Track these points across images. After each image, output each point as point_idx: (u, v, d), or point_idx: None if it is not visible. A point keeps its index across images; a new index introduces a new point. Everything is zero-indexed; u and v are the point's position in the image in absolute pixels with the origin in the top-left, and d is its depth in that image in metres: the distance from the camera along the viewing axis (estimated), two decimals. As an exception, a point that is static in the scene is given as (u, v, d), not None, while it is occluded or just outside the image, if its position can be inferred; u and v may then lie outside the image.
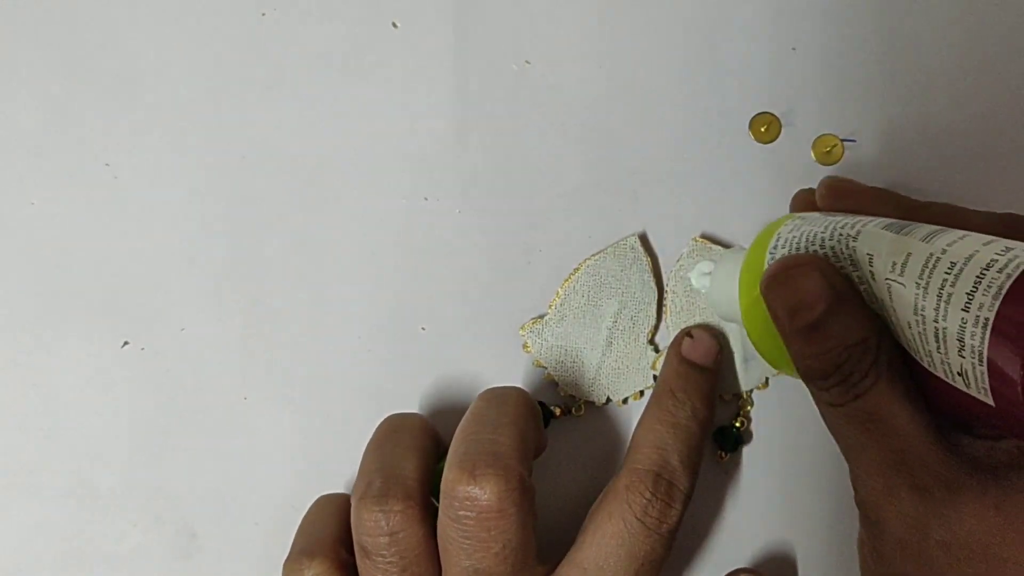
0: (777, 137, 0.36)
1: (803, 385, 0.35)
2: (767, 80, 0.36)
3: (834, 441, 0.28)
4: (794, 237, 0.29)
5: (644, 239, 0.36)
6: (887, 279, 0.26)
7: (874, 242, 0.26)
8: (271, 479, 0.37)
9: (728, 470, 0.36)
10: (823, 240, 0.28)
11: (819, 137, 0.35)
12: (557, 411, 0.35)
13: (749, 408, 0.35)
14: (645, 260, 0.35)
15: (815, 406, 0.28)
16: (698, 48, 0.36)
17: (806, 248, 0.28)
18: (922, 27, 0.35)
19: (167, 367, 0.37)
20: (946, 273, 0.24)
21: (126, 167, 0.37)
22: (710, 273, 0.33)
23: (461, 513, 0.30)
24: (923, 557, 0.25)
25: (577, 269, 0.36)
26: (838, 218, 0.28)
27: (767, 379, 0.35)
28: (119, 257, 0.37)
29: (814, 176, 0.35)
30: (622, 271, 0.35)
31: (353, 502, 0.32)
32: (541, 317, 0.36)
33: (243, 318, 0.37)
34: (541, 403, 0.35)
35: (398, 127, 0.36)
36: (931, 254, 0.24)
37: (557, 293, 0.36)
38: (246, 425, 0.37)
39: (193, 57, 0.37)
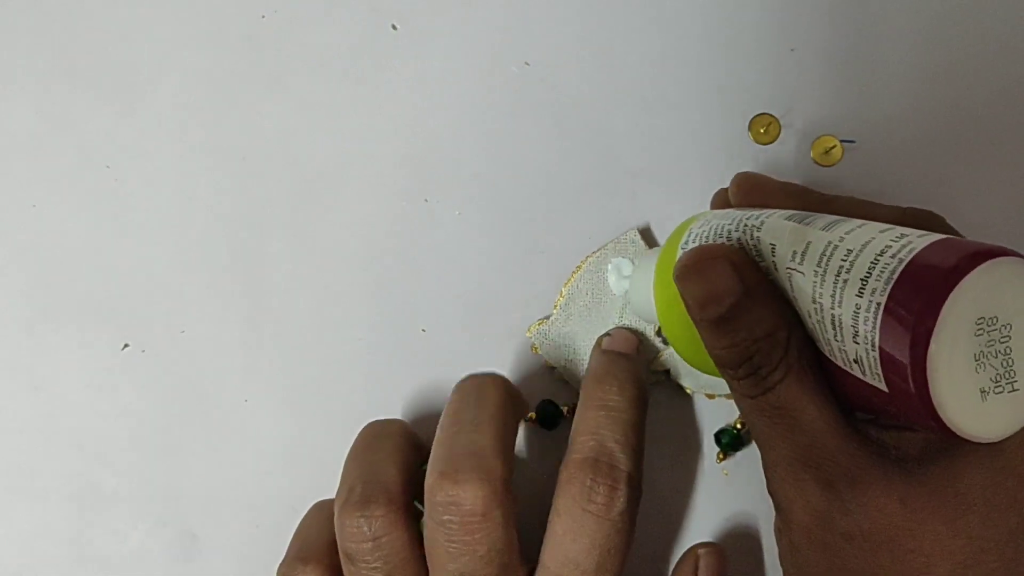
0: (776, 138, 0.36)
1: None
2: (766, 81, 0.36)
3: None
4: (703, 231, 0.29)
5: (645, 232, 0.36)
6: (788, 267, 0.26)
7: (776, 232, 0.26)
8: (272, 481, 0.36)
9: (728, 469, 0.36)
10: (730, 232, 0.28)
11: (818, 138, 0.35)
12: (565, 410, 0.36)
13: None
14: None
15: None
16: (697, 49, 0.36)
17: (715, 241, 0.28)
18: (922, 27, 0.35)
19: (168, 369, 0.37)
20: (842, 260, 0.24)
21: (127, 169, 0.37)
22: (628, 276, 0.34)
23: (445, 518, 0.30)
24: (828, 547, 0.26)
25: (579, 267, 0.36)
26: (745, 212, 0.28)
27: None
28: (120, 259, 0.37)
29: (813, 177, 0.35)
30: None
31: (336, 509, 0.32)
32: (547, 318, 0.36)
33: (244, 320, 0.37)
34: (550, 402, 0.35)
35: (398, 129, 0.37)
36: (829, 242, 0.25)
37: (561, 293, 0.36)
38: (247, 427, 0.36)
39: (193, 59, 0.37)
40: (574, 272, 0.36)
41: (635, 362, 0.34)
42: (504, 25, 0.36)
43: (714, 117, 0.36)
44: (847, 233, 0.25)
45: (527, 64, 0.36)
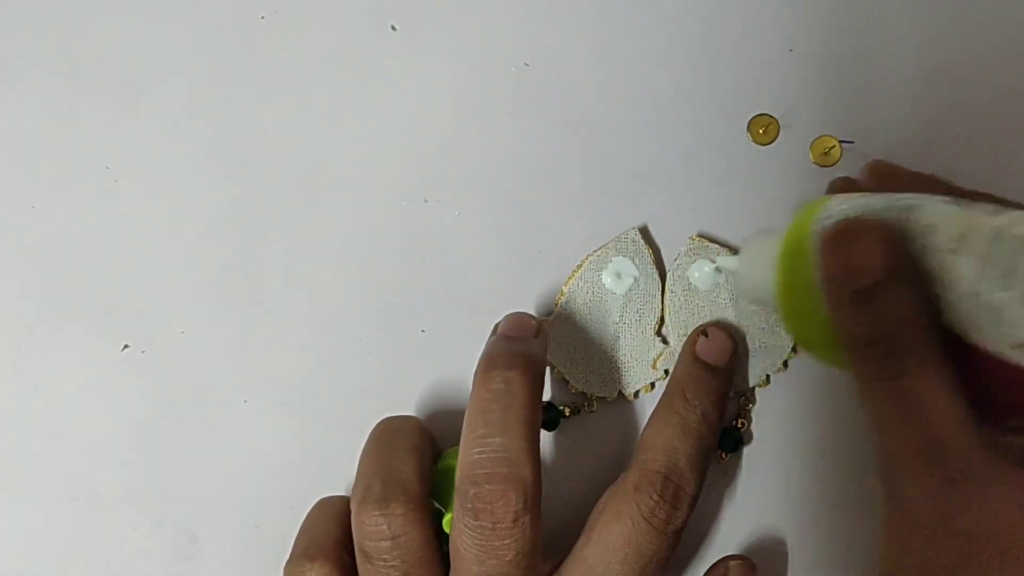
0: (776, 139, 0.36)
1: (803, 383, 0.35)
2: (765, 82, 0.36)
3: (860, 414, 0.27)
4: (846, 208, 0.28)
5: (645, 232, 0.36)
6: (947, 249, 0.25)
7: (935, 214, 0.26)
8: (271, 482, 0.36)
9: (728, 469, 0.36)
10: (877, 212, 0.27)
11: (817, 138, 0.35)
12: (566, 411, 0.36)
13: (751, 407, 0.36)
14: (647, 252, 0.35)
15: (850, 377, 0.28)
16: (696, 50, 0.36)
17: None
18: (921, 28, 0.36)
19: (167, 370, 0.37)
20: (1014, 246, 0.24)
21: (126, 169, 0.37)
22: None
23: (477, 523, 0.30)
24: (943, 543, 0.25)
25: (580, 266, 0.36)
26: (892, 194, 0.28)
27: (768, 376, 0.35)
28: (120, 259, 0.37)
29: (813, 178, 0.35)
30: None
31: (353, 507, 0.32)
32: (547, 317, 0.36)
33: (243, 321, 0.36)
34: (550, 403, 0.35)
35: (397, 129, 0.37)
36: (996, 227, 0.24)
37: (561, 291, 0.36)
38: (246, 428, 0.36)
39: (193, 59, 0.37)
40: (575, 271, 0.36)
41: (725, 380, 0.34)
42: (504, 25, 0.36)
43: (713, 117, 0.36)
44: (1014, 220, 0.24)
45: (526, 64, 0.36)
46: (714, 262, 0.35)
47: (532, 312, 0.36)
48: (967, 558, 0.25)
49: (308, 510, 0.34)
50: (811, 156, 0.36)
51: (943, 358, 0.26)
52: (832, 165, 0.35)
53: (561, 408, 0.36)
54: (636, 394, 0.36)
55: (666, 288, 0.35)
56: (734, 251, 0.35)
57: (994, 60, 0.35)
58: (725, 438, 0.35)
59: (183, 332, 0.37)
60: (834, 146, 0.35)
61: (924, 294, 0.26)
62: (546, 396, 0.36)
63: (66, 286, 0.37)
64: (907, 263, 0.26)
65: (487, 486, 0.29)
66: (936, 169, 0.35)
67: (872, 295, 0.26)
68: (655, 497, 0.31)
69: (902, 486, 0.26)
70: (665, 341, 0.36)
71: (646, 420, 0.34)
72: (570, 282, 0.36)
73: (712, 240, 0.35)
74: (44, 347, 0.37)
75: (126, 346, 0.37)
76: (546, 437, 0.36)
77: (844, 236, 0.27)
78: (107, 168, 0.37)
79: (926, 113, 0.35)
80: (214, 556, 0.36)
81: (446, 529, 0.32)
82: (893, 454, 0.26)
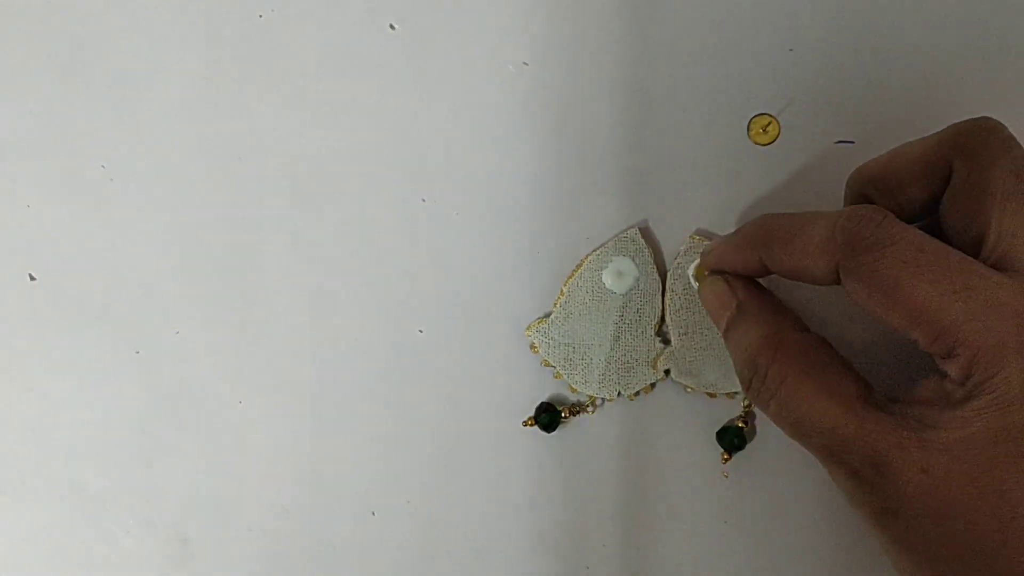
0: (776, 139, 0.36)
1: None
2: (765, 82, 0.36)
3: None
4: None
5: (645, 231, 0.35)
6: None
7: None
8: (265, 485, 0.36)
9: (730, 470, 0.35)
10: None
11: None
12: (565, 412, 0.35)
13: (752, 407, 0.35)
14: (647, 252, 0.35)
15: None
16: (696, 50, 0.36)
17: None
18: (921, 27, 0.36)
19: (161, 371, 0.36)
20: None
21: (122, 169, 0.37)
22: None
23: None
24: (880, 527, 0.27)
25: (579, 265, 0.35)
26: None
27: None
28: (114, 259, 0.36)
29: (813, 179, 0.35)
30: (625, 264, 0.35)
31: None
32: (547, 316, 0.35)
33: (239, 321, 0.36)
34: (548, 404, 0.35)
35: (395, 128, 0.36)
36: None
37: (561, 291, 0.35)
38: (240, 430, 0.36)
39: (190, 58, 0.37)
40: (574, 270, 0.35)
41: None
42: (503, 25, 0.36)
43: (713, 117, 0.36)
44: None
45: (525, 64, 0.36)
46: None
47: (530, 313, 0.36)
48: (904, 532, 0.26)
49: (304, 513, 0.34)
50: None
51: (808, 369, 0.28)
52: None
53: (560, 410, 0.35)
54: (636, 394, 0.36)
55: (666, 287, 0.35)
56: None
57: (994, 60, 0.35)
58: (728, 436, 0.35)
59: (177, 332, 0.36)
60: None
61: (775, 318, 0.29)
62: (545, 397, 0.36)
63: (60, 286, 0.36)
64: (750, 296, 0.30)
65: None
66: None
67: (733, 328, 0.30)
68: None
69: (840, 487, 0.28)
70: (665, 341, 0.35)
71: (647, 421, 0.33)
72: (569, 282, 0.35)
73: (711, 239, 0.35)
74: (36, 347, 0.36)
75: (120, 347, 0.36)
76: (546, 439, 0.36)
77: (704, 286, 0.32)
78: (103, 167, 0.37)
79: (925, 113, 0.35)
80: (206, 559, 0.36)
81: None
82: (817, 456, 0.28)
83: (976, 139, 0.27)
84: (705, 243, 0.35)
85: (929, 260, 0.25)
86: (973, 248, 0.27)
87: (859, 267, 0.26)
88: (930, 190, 0.29)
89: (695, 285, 0.35)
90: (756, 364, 0.28)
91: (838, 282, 0.27)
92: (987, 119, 0.28)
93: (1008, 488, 0.24)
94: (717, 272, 0.32)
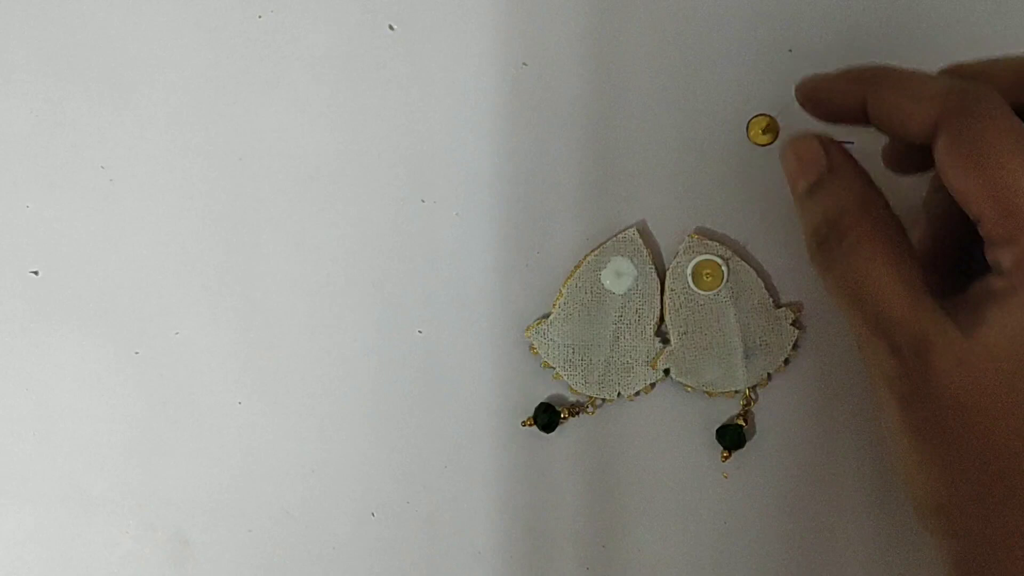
0: (775, 140, 0.36)
1: (805, 381, 0.35)
2: (765, 82, 0.36)
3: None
4: None
5: (643, 231, 0.35)
6: None
7: None
8: (265, 485, 0.36)
9: (730, 468, 0.35)
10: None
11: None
12: (564, 412, 0.35)
13: (752, 405, 0.35)
14: (645, 252, 0.35)
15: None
16: (695, 51, 0.36)
17: None
18: (920, 28, 0.36)
19: (160, 371, 0.36)
20: None
21: (122, 169, 0.37)
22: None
23: None
24: (905, 407, 0.27)
25: (578, 266, 0.35)
26: None
27: (768, 374, 0.35)
28: (114, 259, 0.36)
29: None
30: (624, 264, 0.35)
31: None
32: (545, 317, 0.35)
33: (238, 322, 0.36)
34: (548, 405, 0.35)
35: (395, 129, 0.36)
36: None
37: (560, 292, 0.35)
38: (240, 430, 0.36)
39: (190, 59, 0.37)
40: (573, 270, 0.35)
41: None
42: (502, 25, 0.36)
43: (713, 117, 0.36)
44: None
45: (525, 64, 0.36)
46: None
47: (529, 314, 0.36)
48: (929, 419, 0.26)
49: (304, 513, 0.34)
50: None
51: (882, 239, 0.28)
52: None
53: (560, 410, 0.35)
54: (636, 394, 0.36)
55: (665, 287, 0.35)
56: (732, 250, 0.35)
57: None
58: (728, 436, 0.35)
59: (177, 333, 0.36)
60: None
61: (862, 187, 0.29)
62: (545, 398, 0.36)
63: (59, 286, 0.36)
64: (843, 160, 0.30)
65: None
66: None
67: (819, 187, 0.29)
68: None
69: (864, 360, 0.29)
70: (665, 341, 0.35)
71: (646, 421, 0.33)
72: (568, 282, 0.35)
73: (710, 238, 0.35)
74: (36, 348, 0.36)
75: (119, 347, 0.36)
76: (545, 439, 0.36)
77: (793, 144, 0.31)
78: (102, 168, 0.37)
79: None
80: (206, 561, 0.36)
81: None
82: (854, 332, 0.29)
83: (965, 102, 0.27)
84: (705, 243, 0.35)
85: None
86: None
87: (960, 128, 0.26)
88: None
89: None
90: (840, 224, 0.28)
91: (926, 143, 0.27)
92: (978, 87, 0.28)
93: None
94: (811, 114, 0.31)
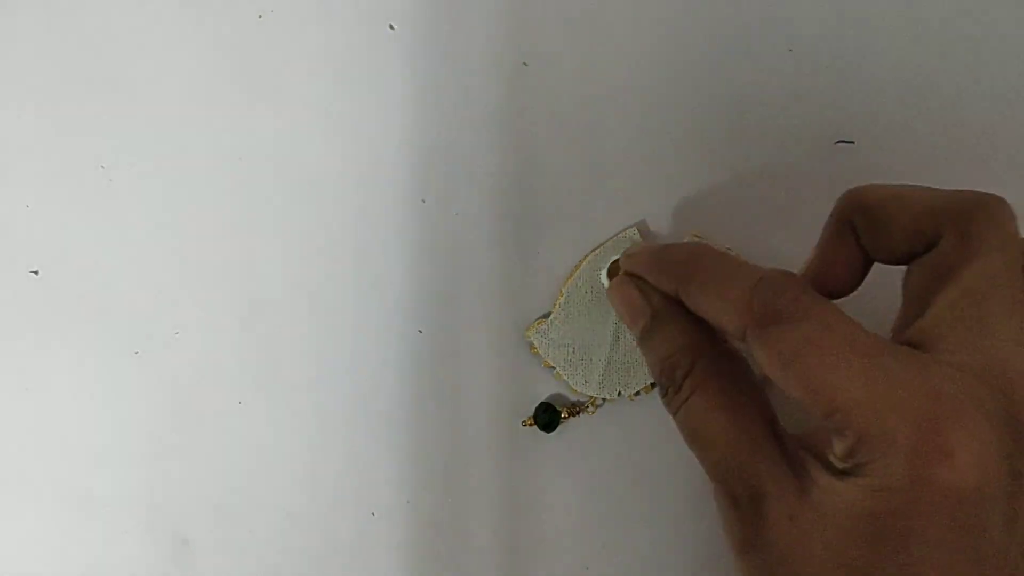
0: (774, 140, 0.36)
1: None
2: (765, 82, 0.36)
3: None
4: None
5: (644, 230, 0.35)
6: None
7: None
8: (266, 486, 0.36)
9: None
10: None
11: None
12: (564, 412, 0.35)
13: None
14: None
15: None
16: (695, 50, 0.36)
17: None
18: (921, 28, 0.36)
19: (161, 371, 0.36)
20: None
21: (121, 169, 0.37)
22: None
23: None
24: (741, 555, 0.27)
25: (578, 265, 0.35)
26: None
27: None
28: (113, 260, 0.36)
29: (813, 179, 0.35)
30: None
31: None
32: (545, 317, 0.35)
33: (238, 322, 0.36)
34: (548, 405, 0.35)
35: (395, 129, 0.36)
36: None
37: (560, 291, 0.35)
38: (240, 430, 0.36)
39: (190, 59, 0.37)
40: (574, 270, 0.35)
41: None
42: (502, 25, 0.36)
43: (713, 117, 0.36)
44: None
45: (525, 64, 0.36)
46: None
47: (529, 313, 0.36)
48: (760, 569, 0.26)
49: (305, 513, 0.34)
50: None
51: (719, 385, 0.28)
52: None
53: (560, 410, 0.35)
54: (637, 394, 0.36)
55: None
56: (732, 250, 0.35)
57: (994, 60, 0.35)
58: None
59: (177, 333, 0.36)
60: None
61: (689, 329, 0.29)
62: (545, 398, 0.36)
63: (59, 286, 0.36)
64: (666, 307, 0.30)
65: None
66: (936, 169, 0.35)
67: (649, 335, 0.30)
68: None
69: (715, 504, 0.28)
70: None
71: (646, 421, 0.33)
72: (569, 282, 0.35)
73: (710, 238, 0.35)
74: (36, 348, 0.36)
75: (120, 347, 0.36)
76: (546, 439, 0.36)
77: (616, 289, 0.31)
78: (102, 167, 0.37)
79: (926, 113, 0.35)
80: (207, 561, 0.36)
81: None
82: (707, 472, 0.28)
83: (975, 224, 0.27)
84: (705, 242, 0.35)
85: (835, 340, 0.25)
86: (911, 319, 0.27)
87: (765, 336, 0.26)
88: (911, 249, 0.28)
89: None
90: (674, 375, 0.29)
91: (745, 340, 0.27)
92: (998, 202, 0.27)
93: (856, 566, 0.25)
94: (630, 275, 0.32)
